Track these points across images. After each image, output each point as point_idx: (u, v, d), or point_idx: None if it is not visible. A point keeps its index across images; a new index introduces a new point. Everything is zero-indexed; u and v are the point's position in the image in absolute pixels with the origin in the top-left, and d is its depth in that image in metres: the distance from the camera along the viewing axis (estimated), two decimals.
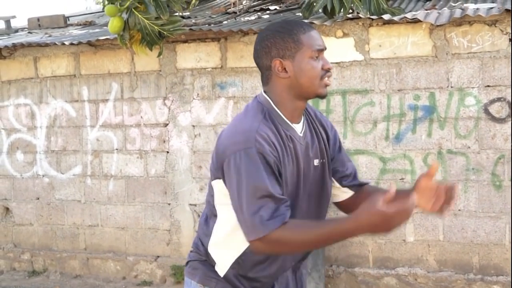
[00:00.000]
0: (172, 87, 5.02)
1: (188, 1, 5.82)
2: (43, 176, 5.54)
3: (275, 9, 5.85)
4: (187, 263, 2.00)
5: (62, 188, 5.48)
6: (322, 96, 1.82)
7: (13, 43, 5.39)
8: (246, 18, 5.49)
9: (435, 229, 4.36)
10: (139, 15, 4.22)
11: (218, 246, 1.88)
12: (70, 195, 5.45)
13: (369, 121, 4.46)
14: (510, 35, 4.08)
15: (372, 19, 4.33)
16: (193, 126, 4.98)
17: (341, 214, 1.93)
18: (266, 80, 1.84)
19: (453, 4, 4.71)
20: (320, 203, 1.94)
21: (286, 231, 1.64)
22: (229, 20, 5.47)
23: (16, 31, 6.97)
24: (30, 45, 5.37)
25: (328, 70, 1.80)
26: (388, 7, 4.43)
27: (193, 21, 5.60)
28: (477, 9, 4.20)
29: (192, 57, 4.94)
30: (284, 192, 1.74)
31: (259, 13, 5.77)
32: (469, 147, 4.24)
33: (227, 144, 1.73)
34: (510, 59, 4.08)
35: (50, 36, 5.87)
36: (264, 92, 1.85)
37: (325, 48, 1.83)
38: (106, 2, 4.36)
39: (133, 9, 4.23)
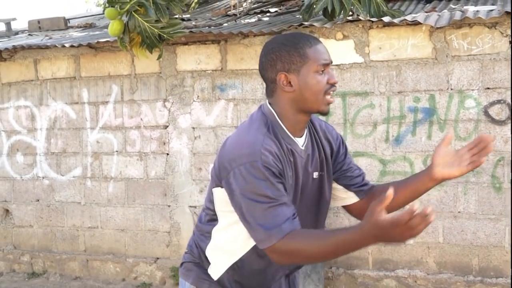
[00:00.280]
0: (172, 89, 5.02)
1: (188, 3, 5.83)
2: (43, 178, 5.55)
3: (275, 11, 5.85)
4: (182, 264, 2.02)
5: (62, 190, 5.48)
6: (323, 113, 1.82)
7: (13, 45, 5.40)
8: (246, 21, 5.50)
9: (435, 231, 4.36)
10: (139, 18, 4.23)
11: (216, 249, 1.89)
12: (70, 197, 5.45)
13: (369, 123, 4.46)
14: (510, 37, 4.08)
15: (372, 21, 4.33)
16: (193, 128, 4.98)
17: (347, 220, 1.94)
18: (270, 92, 1.84)
19: (453, 7, 4.71)
20: (317, 214, 1.96)
21: (298, 239, 1.64)
22: (229, 23, 5.48)
23: (17, 33, 6.98)
24: (30, 47, 5.37)
25: (333, 84, 1.79)
26: (388, 10, 4.44)
27: (193, 23, 5.61)
28: (477, 11, 4.20)
29: (192, 59, 4.94)
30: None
31: (259, 16, 5.77)
32: None
33: (233, 156, 1.72)
34: (510, 61, 4.08)
35: (50, 38, 5.88)
36: (269, 104, 1.85)
37: (331, 62, 1.82)
38: (107, 5, 4.36)
39: (133, 12, 4.23)
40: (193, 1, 6.14)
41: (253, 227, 1.69)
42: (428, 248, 4.40)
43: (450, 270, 4.35)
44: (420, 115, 4.34)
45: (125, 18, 4.31)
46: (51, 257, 5.53)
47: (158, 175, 5.13)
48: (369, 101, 4.45)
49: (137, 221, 5.23)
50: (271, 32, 4.48)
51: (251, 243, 1.78)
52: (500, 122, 4.15)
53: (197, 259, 1.94)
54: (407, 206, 1.60)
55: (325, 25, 4.41)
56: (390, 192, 1.47)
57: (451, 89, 4.25)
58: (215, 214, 1.88)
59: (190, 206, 5.03)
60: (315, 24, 4.42)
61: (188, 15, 6.15)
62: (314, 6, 4.39)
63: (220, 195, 1.80)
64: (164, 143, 5.08)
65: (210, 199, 1.89)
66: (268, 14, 5.82)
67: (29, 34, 6.61)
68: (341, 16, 4.38)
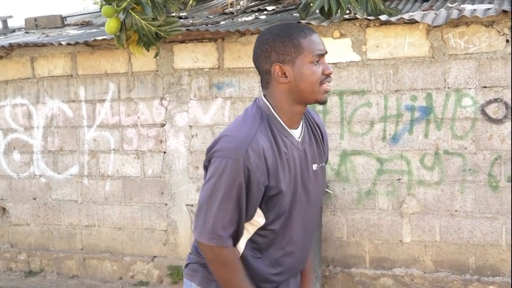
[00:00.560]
0: (169, 88, 5.02)
1: (185, 1, 5.82)
2: (40, 176, 5.54)
3: (273, 9, 5.85)
4: (187, 265, 1.99)
5: (59, 188, 5.47)
6: (322, 102, 1.81)
7: (10, 43, 5.39)
8: (244, 19, 5.49)
9: (432, 229, 4.37)
10: (136, 16, 4.22)
11: None
12: (67, 195, 5.44)
13: (366, 121, 4.46)
14: (508, 36, 4.08)
15: (369, 19, 4.33)
16: (190, 126, 4.97)
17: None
18: (265, 84, 1.82)
19: (450, 5, 4.71)
20: (318, 208, 1.98)
21: (229, 259, 1.74)
22: (226, 21, 5.47)
23: (13, 31, 6.96)
24: (27, 45, 5.36)
25: (328, 75, 1.78)
26: (385, 8, 4.44)
27: (191, 21, 5.60)
28: (474, 10, 4.21)
29: (189, 57, 4.94)
30: (277, 202, 1.76)
31: (256, 14, 5.77)
32: (465, 148, 4.24)
33: (220, 147, 1.73)
34: (510, 60, 4.08)
35: (47, 36, 5.87)
36: (264, 96, 1.84)
37: (326, 52, 1.80)
38: (103, 3, 4.34)
39: (130, 10, 4.22)
40: None
41: (206, 219, 1.72)
42: (425, 246, 4.40)
43: (447, 269, 4.36)
44: (417, 113, 4.34)
45: (122, 16, 4.29)
46: (48, 255, 5.52)
47: (155, 173, 5.12)
48: (366, 100, 4.45)
49: (134, 220, 5.23)
50: None
51: (244, 241, 1.80)
52: (497, 121, 4.16)
53: (203, 260, 1.91)
54: None
55: (322, 24, 4.41)
56: None
57: (448, 88, 4.25)
58: None
59: (187, 205, 5.03)
60: (312, 22, 4.41)
61: (185, 13, 6.14)
62: (311, 4, 4.38)
63: None
64: (161, 142, 5.07)
65: None
66: (265, 12, 5.81)
67: (25, 32, 6.60)
68: (338, 14, 4.38)
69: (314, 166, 1.89)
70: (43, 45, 5.30)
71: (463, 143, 4.25)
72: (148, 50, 4.52)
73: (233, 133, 1.75)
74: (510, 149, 4.14)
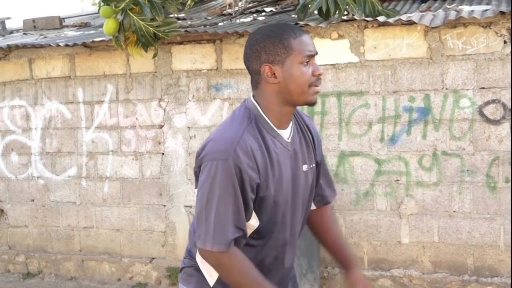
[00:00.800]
0: (167, 89, 5.02)
1: (184, 2, 5.82)
2: (38, 177, 5.53)
3: (271, 11, 5.85)
4: (181, 269, 1.98)
5: (57, 189, 5.46)
6: (311, 104, 1.80)
7: (8, 45, 5.38)
8: (242, 20, 5.49)
9: (430, 230, 4.37)
10: (134, 17, 4.22)
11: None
12: (65, 197, 5.44)
13: (364, 122, 4.46)
14: (506, 37, 4.09)
15: (367, 21, 4.34)
16: (188, 127, 4.97)
17: None
18: (255, 84, 1.82)
19: (448, 6, 4.72)
20: (307, 207, 1.97)
21: (237, 261, 1.71)
22: (224, 22, 5.47)
23: (11, 32, 6.95)
24: (25, 46, 5.36)
25: (318, 76, 1.77)
26: (383, 9, 4.44)
27: (189, 22, 5.60)
28: (472, 11, 4.21)
29: (188, 58, 4.94)
30: (266, 203, 1.75)
31: (254, 15, 5.77)
32: (463, 149, 4.24)
33: (208, 150, 1.72)
34: (510, 61, 4.09)
35: (45, 37, 5.86)
36: (253, 96, 1.83)
37: (316, 53, 1.79)
38: (102, 4, 4.35)
39: (128, 11, 4.22)
40: (188, 0, 6.13)
41: (204, 225, 1.70)
42: (423, 247, 4.40)
43: (445, 270, 4.36)
44: (415, 114, 4.34)
45: (120, 17, 4.30)
46: (46, 257, 5.52)
47: (153, 174, 5.12)
48: (364, 101, 4.45)
49: (132, 221, 5.22)
50: None
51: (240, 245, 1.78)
52: (495, 122, 4.16)
53: (197, 264, 1.90)
54: None
55: (320, 25, 4.41)
56: None
57: (446, 89, 4.25)
58: None
59: (186, 206, 5.03)
60: (310, 23, 4.42)
61: (183, 15, 6.14)
62: (309, 5, 4.39)
63: None
64: (159, 143, 5.07)
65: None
66: (263, 13, 5.81)
67: (24, 33, 6.59)
68: (336, 15, 4.38)
69: (304, 167, 1.88)
70: (41, 46, 5.30)
71: (461, 144, 4.25)
72: (146, 51, 4.52)
73: (220, 135, 1.76)
74: (508, 150, 4.15)
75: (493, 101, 4.16)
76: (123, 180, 5.22)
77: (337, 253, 2.11)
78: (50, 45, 5.23)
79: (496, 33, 4.11)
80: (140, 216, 5.19)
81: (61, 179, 5.44)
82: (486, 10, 4.17)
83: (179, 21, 5.32)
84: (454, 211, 4.30)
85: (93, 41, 5.04)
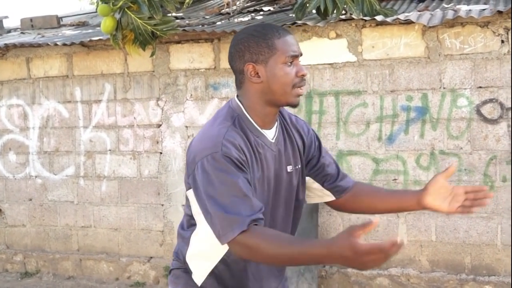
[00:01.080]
0: (165, 88, 5.01)
1: (182, 1, 5.82)
2: (35, 177, 5.53)
3: (269, 10, 5.85)
4: (170, 271, 1.98)
5: (54, 189, 5.46)
6: (293, 105, 1.79)
7: (5, 44, 5.38)
8: (240, 19, 5.49)
9: (428, 229, 4.37)
10: (132, 15, 4.22)
11: (194, 256, 1.86)
12: (63, 196, 5.43)
13: (362, 122, 4.47)
14: (503, 36, 4.09)
15: (365, 20, 4.34)
16: (186, 127, 4.97)
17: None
18: (239, 84, 1.82)
19: (446, 6, 4.72)
20: (294, 210, 1.93)
21: (262, 237, 1.59)
22: (222, 21, 5.47)
23: (9, 31, 6.94)
24: (22, 45, 5.35)
25: (302, 77, 1.76)
26: (381, 8, 4.45)
27: (187, 21, 5.60)
28: (470, 10, 4.22)
29: (186, 57, 4.94)
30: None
31: (252, 14, 5.77)
32: (461, 148, 4.25)
33: (196, 152, 1.71)
34: (510, 60, 4.09)
35: (43, 36, 5.85)
36: (237, 96, 1.83)
37: (301, 54, 1.78)
38: (100, 2, 4.34)
39: (126, 9, 4.22)
40: None
41: (215, 218, 1.62)
42: (421, 246, 4.41)
43: (443, 268, 4.37)
44: (412, 114, 4.35)
45: (118, 15, 4.29)
46: (44, 256, 5.51)
47: (151, 174, 5.12)
48: (362, 100, 4.46)
49: (130, 220, 5.22)
50: None
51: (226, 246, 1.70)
52: (492, 121, 4.17)
53: (184, 265, 1.91)
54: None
55: (318, 24, 4.42)
56: (376, 220, 1.48)
57: (444, 88, 4.26)
58: (193, 219, 1.86)
59: (184, 205, 5.02)
60: (308, 23, 4.42)
61: (181, 14, 6.14)
62: (307, 4, 4.39)
63: (194, 198, 1.76)
64: (157, 142, 5.07)
65: (187, 204, 1.87)
66: (261, 12, 5.81)
67: (21, 32, 6.58)
68: (334, 15, 4.39)
69: (288, 168, 1.86)
70: (39, 45, 5.29)
71: (458, 143, 4.26)
72: (144, 50, 4.52)
73: (204, 135, 1.75)
74: (505, 149, 4.15)
75: (491, 101, 4.16)
76: (121, 179, 5.22)
77: (397, 198, 1.97)
78: (47, 44, 5.22)
79: (494, 32, 4.11)
80: (138, 215, 5.19)
81: (59, 179, 5.44)
82: (484, 9, 4.17)
83: (177, 20, 5.32)
84: None
85: (90, 40, 5.03)
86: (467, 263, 4.31)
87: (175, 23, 4.57)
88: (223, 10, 6.08)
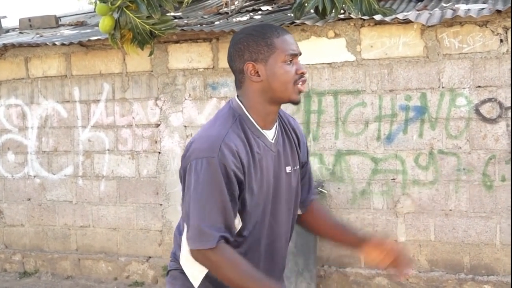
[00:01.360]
0: (163, 88, 5.01)
1: (181, 0, 5.81)
2: (34, 176, 5.52)
3: (267, 9, 5.84)
4: (168, 272, 1.98)
5: (53, 188, 5.45)
6: (295, 102, 1.80)
7: (3, 44, 5.37)
8: (238, 19, 5.48)
9: (426, 229, 4.37)
10: (131, 14, 4.21)
11: (187, 259, 1.83)
12: (62, 196, 5.43)
13: (361, 121, 4.46)
14: (502, 35, 4.09)
15: (364, 19, 4.34)
16: (185, 126, 4.97)
17: None
18: (239, 83, 1.83)
19: (444, 5, 4.72)
20: (293, 209, 1.95)
21: (224, 256, 1.68)
22: (221, 21, 5.47)
23: (7, 31, 6.93)
24: (21, 45, 5.35)
25: (301, 75, 1.78)
26: (379, 8, 4.44)
27: (185, 21, 5.59)
28: (468, 10, 4.22)
29: (184, 57, 4.93)
30: (248, 203, 1.74)
31: (251, 14, 5.76)
32: (460, 148, 4.25)
33: (193, 150, 1.73)
34: (510, 60, 4.09)
35: (41, 36, 5.85)
36: (237, 96, 1.84)
37: (300, 54, 1.80)
38: (98, 1, 4.34)
39: (124, 8, 4.22)
40: None
41: (191, 221, 1.69)
42: (419, 246, 4.41)
43: (442, 268, 4.36)
44: (411, 113, 4.35)
45: (116, 14, 4.29)
46: (43, 256, 5.51)
47: (150, 173, 5.11)
48: (360, 100, 4.45)
49: (129, 220, 5.22)
50: None
51: None
52: (491, 121, 4.17)
53: (181, 266, 1.90)
54: None
55: (317, 23, 4.41)
56: None
57: (442, 88, 4.26)
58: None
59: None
60: (306, 22, 4.41)
61: (180, 13, 6.14)
62: (306, 4, 4.39)
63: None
64: (156, 142, 5.07)
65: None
66: (260, 12, 5.80)
67: (19, 32, 6.57)
68: (333, 14, 4.38)
69: (288, 169, 1.87)
70: (37, 45, 5.29)
71: (457, 143, 4.26)
72: (142, 49, 4.51)
73: (204, 134, 1.76)
74: (504, 148, 4.15)
75: (490, 100, 4.16)
76: (120, 179, 5.21)
77: (344, 235, 2.03)
78: (46, 44, 5.21)
79: (493, 31, 4.11)
80: (136, 215, 5.19)
81: (57, 178, 5.44)
82: (483, 8, 4.17)
83: (176, 20, 5.31)
84: (450, 210, 4.31)
85: (89, 40, 5.03)
86: (466, 262, 4.31)
87: (174, 22, 4.57)
88: (221, 10, 6.08)
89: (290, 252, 3.72)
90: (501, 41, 4.10)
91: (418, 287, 4.38)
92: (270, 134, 1.83)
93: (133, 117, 5.12)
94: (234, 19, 5.49)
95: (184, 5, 5.86)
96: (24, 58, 5.46)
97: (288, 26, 4.46)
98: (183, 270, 1.88)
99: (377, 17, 4.26)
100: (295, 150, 1.92)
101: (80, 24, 6.76)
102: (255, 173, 1.75)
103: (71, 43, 5.10)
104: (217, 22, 5.34)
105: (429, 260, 4.39)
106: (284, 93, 1.76)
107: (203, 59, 4.87)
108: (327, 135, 4.54)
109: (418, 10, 4.58)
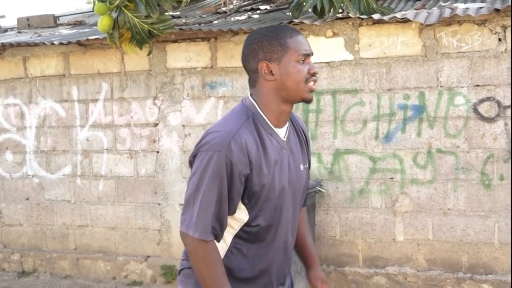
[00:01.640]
0: (162, 87, 5.01)
1: (179, 0, 5.82)
2: (32, 176, 5.51)
3: (265, 9, 5.85)
4: (180, 271, 2.00)
5: (51, 188, 5.45)
6: (307, 101, 1.86)
7: (2, 43, 5.37)
8: (236, 18, 5.49)
9: (425, 228, 4.37)
10: (129, 14, 4.21)
11: None
12: (60, 195, 5.42)
13: (359, 120, 4.46)
14: (501, 34, 4.09)
15: (362, 18, 4.34)
16: (183, 126, 4.96)
17: None
18: (253, 83, 1.87)
19: (443, 4, 4.73)
20: (299, 205, 2.02)
21: (209, 252, 1.76)
22: (219, 20, 5.47)
23: (6, 30, 6.93)
24: (19, 44, 5.34)
25: (313, 75, 1.83)
26: (377, 7, 4.45)
27: (183, 20, 5.59)
28: (467, 8, 4.22)
29: (182, 56, 4.93)
30: (259, 196, 1.79)
31: (249, 13, 5.77)
32: (458, 147, 4.25)
33: (205, 141, 1.78)
34: (510, 58, 4.09)
35: (39, 35, 5.84)
36: (251, 95, 1.88)
37: (312, 54, 1.85)
38: (96, 1, 4.33)
39: (122, 8, 4.21)
40: None
41: (192, 211, 1.75)
42: (418, 245, 4.41)
43: (440, 267, 4.37)
44: (409, 112, 4.35)
45: (114, 14, 4.28)
46: (41, 255, 5.50)
47: (148, 173, 5.11)
48: (359, 99, 4.45)
49: (127, 219, 5.21)
50: None
51: (230, 237, 1.84)
52: (489, 119, 4.17)
53: None
54: None
55: (315, 23, 4.41)
56: None
57: (441, 86, 4.26)
58: None
59: (181, 204, 5.02)
60: (305, 21, 4.41)
61: (178, 13, 6.13)
62: (304, 3, 4.39)
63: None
64: (154, 141, 5.06)
65: None
66: (258, 11, 5.81)
67: (18, 32, 6.57)
68: (331, 13, 4.39)
69: (301, 167, 1.95)
70: (36, 44, 5.28)
71: (455, 142, 4.26)
72: (141, 48, 4.51)
73: (218, 128, 1.80)
74: (502, 147, 4.15)
75: (488, 99, 4.16)
76: (118, 178, 5.21)
77: (302, 251, 2.20)
78: (44, 44, 5.21)
79: (491, 30, 4.11)
80: (135, 214, 5.18)
81: (55, 178, 5.43)
82: (481, 7, 4.17)
83: (174, 19, 5.31)
84: (448, 209, 4.31)
85: (87, 40, 5.03)
86: (464, 261, 4.31)
87: (172, 22, 4.57)
88: (219, 9, 6.08)
89: None
90: (500, 40, 4.10)
91: (416, 286, 4.38)
92: (282, 133, 1.89)
93: (131, 117, 5.12)
94: (232, 19, 5.49)
95: (182, 5, 5.86)
96: (22, 58, 5.45)
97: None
98: None
99: (375, 16, 4.26)
100: (305, 149, 2.00)
101: (78, 24, 6.76)
102: (267, 169, 1.80)
103: (69, 43, 5.10)
104: (215, 22, 5.35)
105: (428, 259, 4.39)
106: (297, 91, 1.82)
107: (202, 58, 4.87)
108: (325, 134, 4.54)
109: (416, 9, 4.58)
